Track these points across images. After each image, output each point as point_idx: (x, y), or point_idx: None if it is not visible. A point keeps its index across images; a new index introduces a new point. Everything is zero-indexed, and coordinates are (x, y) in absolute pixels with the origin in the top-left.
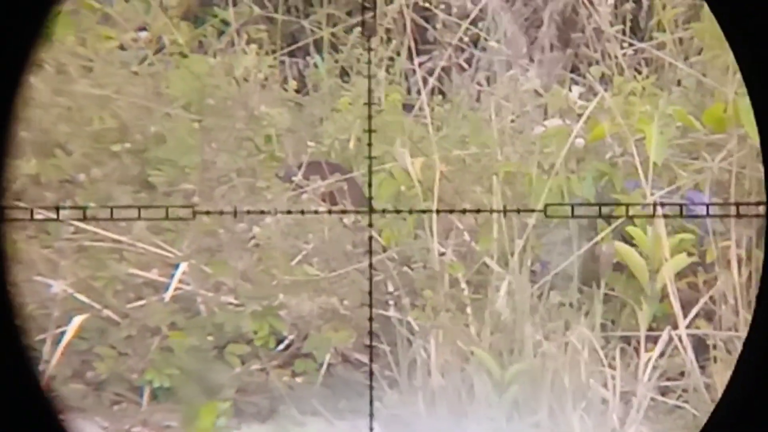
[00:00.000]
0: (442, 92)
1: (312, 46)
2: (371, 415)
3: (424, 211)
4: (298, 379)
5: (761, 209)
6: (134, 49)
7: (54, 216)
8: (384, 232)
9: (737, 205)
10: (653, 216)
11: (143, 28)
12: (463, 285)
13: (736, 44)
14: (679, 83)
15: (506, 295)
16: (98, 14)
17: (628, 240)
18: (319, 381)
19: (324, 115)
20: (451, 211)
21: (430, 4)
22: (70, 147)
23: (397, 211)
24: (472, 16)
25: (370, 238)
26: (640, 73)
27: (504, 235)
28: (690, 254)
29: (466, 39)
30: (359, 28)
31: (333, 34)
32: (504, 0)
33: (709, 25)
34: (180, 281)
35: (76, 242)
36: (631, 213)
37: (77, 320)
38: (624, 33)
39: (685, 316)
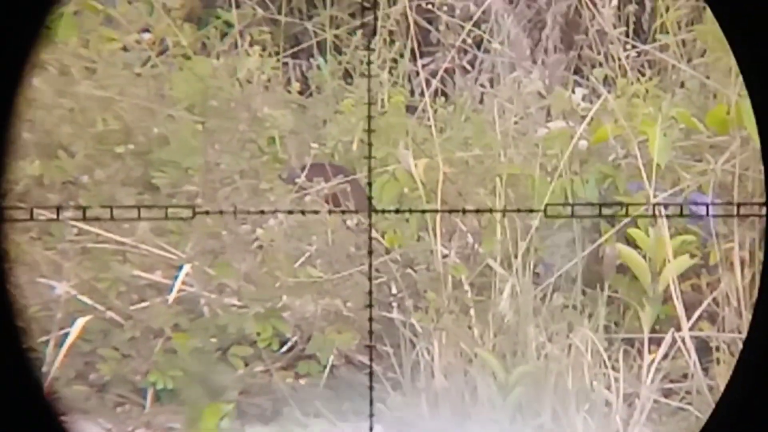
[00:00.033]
0: (445, 94)
1: (315, 48)
2: (371, 415)
3: (424, 211)
4: (302, 381)
5: (763, 210)
6: (137, 51)
7: (54, 216)
8: (387, 234)
9: (738, 205)
10: (654, 216)
11: (146, 30)
12: (466, 287)
13: (737, 46)
14: (682, 85)
15: (509, 297)
16: (101, 16)
17: (631, 242)
18: (323, 383)
19: (327, 117)
20: (451, 211)
21: (433, 6)
22: (73, 148)
23: (398, 211)
24: (475, 18)
25: (370, 237)
26: (643, 75)
27: (507, 237)
28: (693, 256)
29: (469, 41)
30: (362, 30)
31: (336, 36)
32: (507, 2)
33: (711, 27)
34: (183, 283)
35: (80, 244)
36: (631, 213)
37: (80, 322)
38: (627, 35)
39: (688, 318)
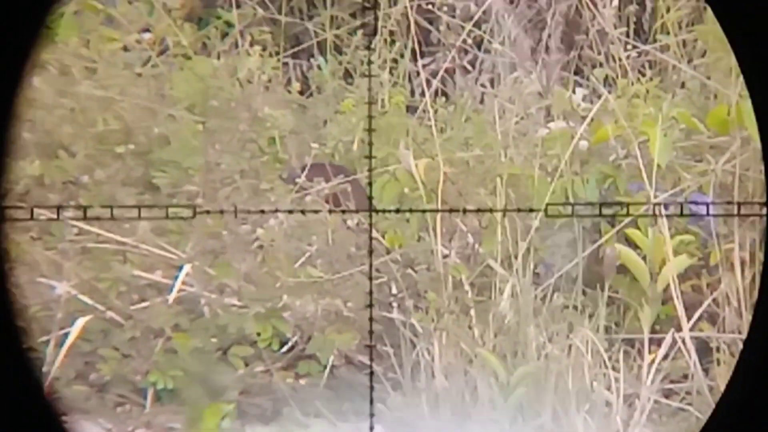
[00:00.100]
0: (445, 94)
1: (316, 48)
2: (372, 415)
3: (424, 211)
4: (302, 381)
5: (763, 210)
6: (138, 51)
7: (54, 216)
8: (387, 234)
9: (739, 205)
10: (654, 216)
11: (147, 30)
12: (467, 287)
13: (738, 46)
14: (682, 86)
15: (510, 297)
16: (101, 16)
17: (631, 242)
18: (323, 383)
19: (327, 117)
20: (452, 211)
21: (434, 6)
22: (74, 148)
23: (398, 211)
24: (476, 18)
25: (371, 237)
26: (643, 75)
27: (507, 237)
28: (692, 256)
29: (469, 41)
30: (362, 30)
31: (337, 36)
32: (507, 2)
33: (712, 27)
34: (183, 283)
35: (80, 244)
36: (632, 214)
37: (81, 322)
38: (628, 35)
39: (688, 318)
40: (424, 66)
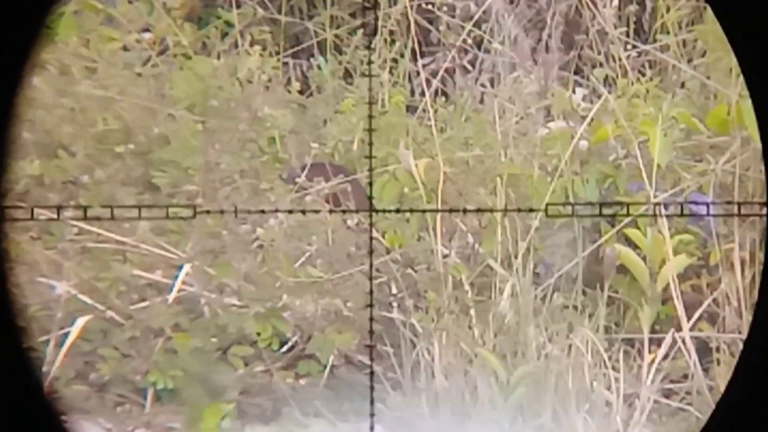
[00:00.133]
0: (445, 94)
1: (315, 48)
2: (372, 415)
3: (424, 211)
4: (302, 381)
5: (763, 210)
6: (137, 51)
7: (54, 216)
8: (387, 234)
9: (739, 205)
10: (654, 216)
11: (146, 30)
12: (467, 287)
13: (738, 46)
14: (682, 85)
15: (510, 297)
16: (101, 15)
17: (630, 242)
18: (323, 383)
19: (327, 117)
20: (452, 211)
21: (434, 5)
22: (74, 148)
23: (398, 211)
24: (476, 17)
25: (371, 237)
26: (643, 75)
27: (507, 237)
28: (691, 256)
29: (469, 41)
30: (362, 30)
31: (336, 36)
32: (507, 2)
33: (712, 27)
34: (183, 283)
35: (80, 243)
36: (632, 213)
37: (80, 321)
38: (628, 35)
39: (688, 318)
40: (424, 66)
